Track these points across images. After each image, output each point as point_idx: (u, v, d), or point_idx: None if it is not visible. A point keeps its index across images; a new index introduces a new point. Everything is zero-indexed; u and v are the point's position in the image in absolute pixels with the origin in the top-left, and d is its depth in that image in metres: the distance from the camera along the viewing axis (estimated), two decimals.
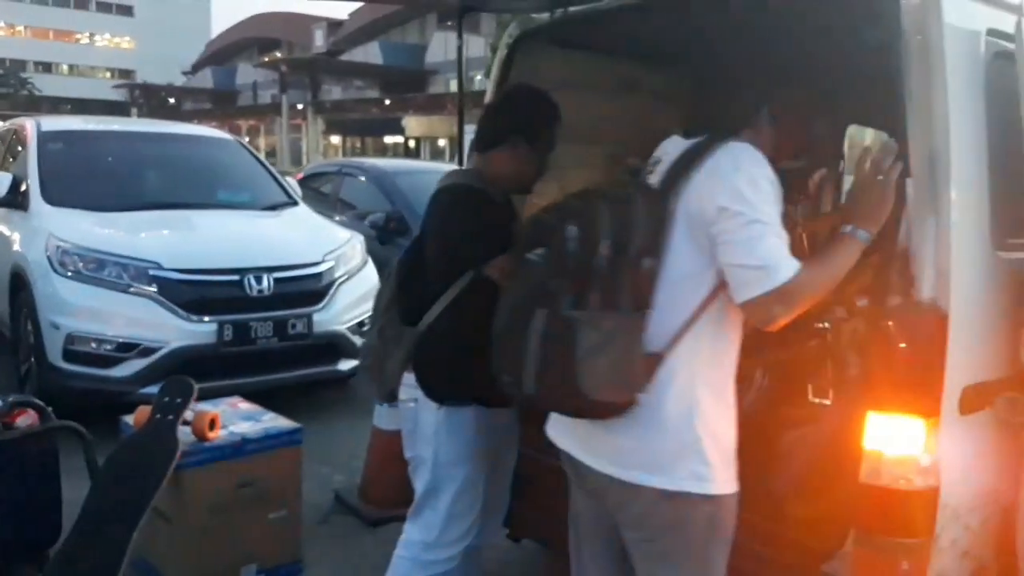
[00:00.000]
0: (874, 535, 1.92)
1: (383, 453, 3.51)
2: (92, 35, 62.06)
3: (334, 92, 42.30)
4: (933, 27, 1.87)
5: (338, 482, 4.08)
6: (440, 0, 3.67)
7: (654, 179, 1.88)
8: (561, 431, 1.95)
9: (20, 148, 5.74)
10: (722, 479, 1.79)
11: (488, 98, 2.96)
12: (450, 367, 2.30)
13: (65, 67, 61.08)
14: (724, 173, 1.75)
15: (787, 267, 1.69)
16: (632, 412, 1.74)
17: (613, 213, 1.73)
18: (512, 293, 1.84)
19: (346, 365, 5.03)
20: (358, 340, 4.83)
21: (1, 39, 56.21)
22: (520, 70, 2.90)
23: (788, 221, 1.82)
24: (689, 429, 1.76)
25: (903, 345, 1.89)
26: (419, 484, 2.43)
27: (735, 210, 1.71)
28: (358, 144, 38.07)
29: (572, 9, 2.70)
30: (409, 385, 2.39)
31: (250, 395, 3.68)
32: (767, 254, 1.69)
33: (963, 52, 1.94)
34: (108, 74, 61.31)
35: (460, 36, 2.78)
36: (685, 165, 1.82)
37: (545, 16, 2.85)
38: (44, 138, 5.54)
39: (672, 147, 1.92)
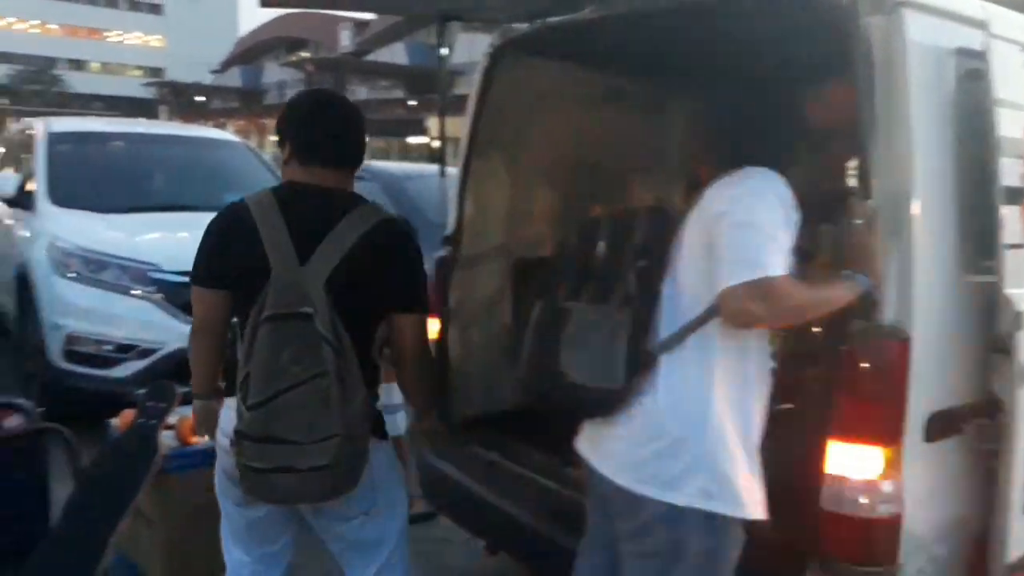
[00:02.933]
0: (835, 563, 1.90)
1: None
2: (122, 33, 62.78)
3: (360, 92, 42.35)
4: (897, 47, 1.83)
5: None
6: (420, 9, 3.65)
7: None
8: (583, 439, 1.96)
9: (31, 149, 5.80)
10: (737, 499, 1.74)
11: (471, 107, 2.96)
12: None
13: (96, 65, 61.83)
14: (732, 183, 1.78)
15: (773, 267, 1.65)
16: (644, 420, 1.76)
17: (613, 217, 1.97)
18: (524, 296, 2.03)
19: None
20: None
21: (34, 37, 57.06)
22: (502, 80, 2.89)
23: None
24: (700, 442, 1.73)
25: (864, 369, 1.86)
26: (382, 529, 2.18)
27: (733, 211, 1.72)
28: (382, 144, 38.21)
29: (551, 20, 2.68)
30: None
31: None
32: (755, 250, 1.66)
33: (930, 73, 1.90)
34: (138, 72, 61.98)
35: (440, 45, 2.78)
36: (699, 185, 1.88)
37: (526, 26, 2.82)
38: (53, 139, 5.62)
39: None
